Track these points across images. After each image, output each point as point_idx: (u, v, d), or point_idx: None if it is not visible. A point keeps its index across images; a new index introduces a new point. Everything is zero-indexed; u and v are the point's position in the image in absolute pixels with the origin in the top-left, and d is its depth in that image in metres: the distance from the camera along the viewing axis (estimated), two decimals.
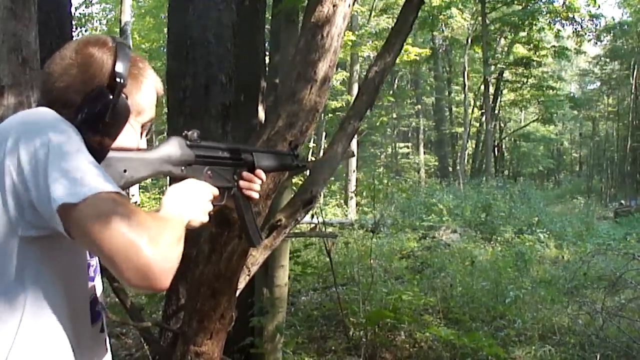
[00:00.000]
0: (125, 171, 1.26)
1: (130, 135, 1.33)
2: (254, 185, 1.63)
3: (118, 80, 1.23)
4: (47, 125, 1.13)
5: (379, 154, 38.93)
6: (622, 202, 22.30)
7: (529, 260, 9.25)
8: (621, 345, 5.32)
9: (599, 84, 40.88)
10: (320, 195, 3.32)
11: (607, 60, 36.44)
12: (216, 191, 1.47)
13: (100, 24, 26.83)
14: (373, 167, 32.76)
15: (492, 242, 11.89)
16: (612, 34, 31.31)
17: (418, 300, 5.92)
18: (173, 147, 1.38)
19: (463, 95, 29.43)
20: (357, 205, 19.24)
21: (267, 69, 5.56)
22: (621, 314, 5.83)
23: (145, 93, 1.35)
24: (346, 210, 18.21)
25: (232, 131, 3.94)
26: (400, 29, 3.13)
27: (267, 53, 5.75)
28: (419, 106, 36.58)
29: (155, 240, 1.05)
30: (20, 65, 2.45)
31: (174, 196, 1.32)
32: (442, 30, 29.00)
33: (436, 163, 37.04)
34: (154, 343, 2.97)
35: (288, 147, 1.84)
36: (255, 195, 1.63)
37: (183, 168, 1.40)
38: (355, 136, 17.82)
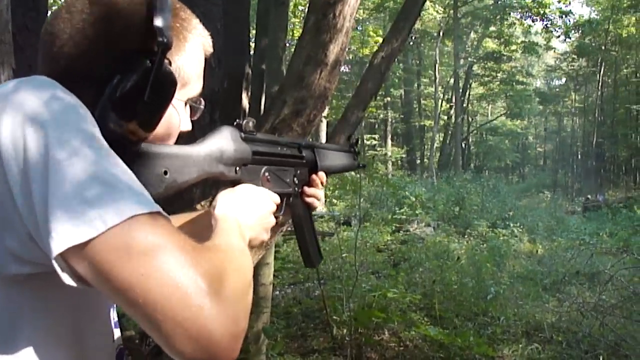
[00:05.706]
0: (165, 173, 0.87)
1: (171, 120, 0.93)
2: (317, 190, 1.29)
3: (160, 39, 0.81)
4: (44, 99, 0.73)
5: None
6: (589, 196, 22.58)
7: (505, 254, 9.18)
8: (609, 342, 5.24)
9: (564, 80, 41.55)
10: None
11: (575, 56, 37.03)
12: (278, 200, 1.11)
13: None
14: None
15: (466, 236, 11.82)
16: (580, 31, 31.76)
17: (403, 297, 5.73)
18: (225, 141, 1.00)
19: (433, 88, 29.51)
20: (325, 197, 19.05)
21: (252, 53, 5.26)
22: (610, 311, 5.76)
23: (192, 55, 0.93)
24: None
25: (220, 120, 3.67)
26: (408, 12, 2.90)
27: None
28: (388, 98, 36.55)
29: (220, 289, 0.70)
30: None
31: (232, 210, 0.95)
32: None
33: (404, 155, 37.12)
34: (136, 352, 2.73)
35: (347, 143, 1.50)
36: (318, 204, 1.29)
37: (237, 169, 1.03)
38: (325, 127, 17.34)
